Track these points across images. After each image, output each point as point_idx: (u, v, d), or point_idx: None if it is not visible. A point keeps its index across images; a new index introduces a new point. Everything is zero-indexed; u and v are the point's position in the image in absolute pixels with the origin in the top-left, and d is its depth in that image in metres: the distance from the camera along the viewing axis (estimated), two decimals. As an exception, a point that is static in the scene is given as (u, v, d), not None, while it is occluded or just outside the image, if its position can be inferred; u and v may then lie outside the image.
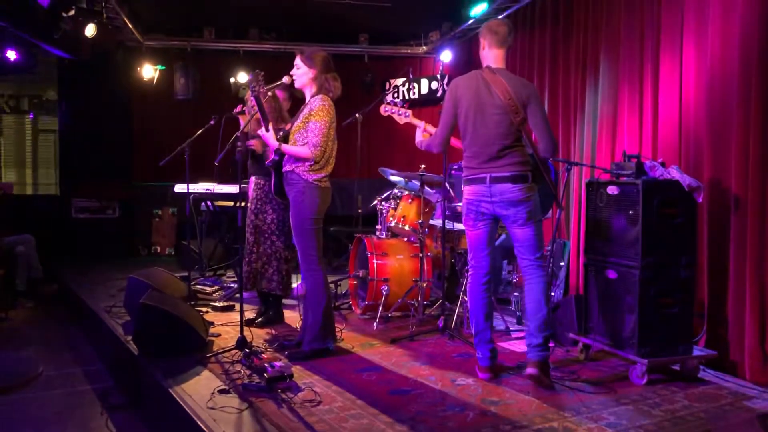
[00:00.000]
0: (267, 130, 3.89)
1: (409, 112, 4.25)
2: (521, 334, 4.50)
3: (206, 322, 4.50)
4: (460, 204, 5.14)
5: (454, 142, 3.84)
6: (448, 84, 7.61)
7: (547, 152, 3.59)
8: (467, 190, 3.62)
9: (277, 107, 4.62)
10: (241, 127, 4.83)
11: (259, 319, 4.77)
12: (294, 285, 4.93)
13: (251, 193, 4.82)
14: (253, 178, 4.83)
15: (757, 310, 3.60)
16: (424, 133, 3.99)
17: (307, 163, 3.84)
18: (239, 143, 4.57)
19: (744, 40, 3.73)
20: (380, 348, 4.23)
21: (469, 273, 3.73)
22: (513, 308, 5.06)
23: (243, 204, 4.89)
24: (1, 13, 5.72)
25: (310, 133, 3.82)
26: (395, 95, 8.60)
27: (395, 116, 4.26)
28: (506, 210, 3.50)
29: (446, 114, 3.64)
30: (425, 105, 8.37)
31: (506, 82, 3.51)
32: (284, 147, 3.87)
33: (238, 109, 4.87)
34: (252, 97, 4.00)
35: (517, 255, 3.63)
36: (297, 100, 4.54)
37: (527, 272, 3.58)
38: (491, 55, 3.61)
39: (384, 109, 4.30)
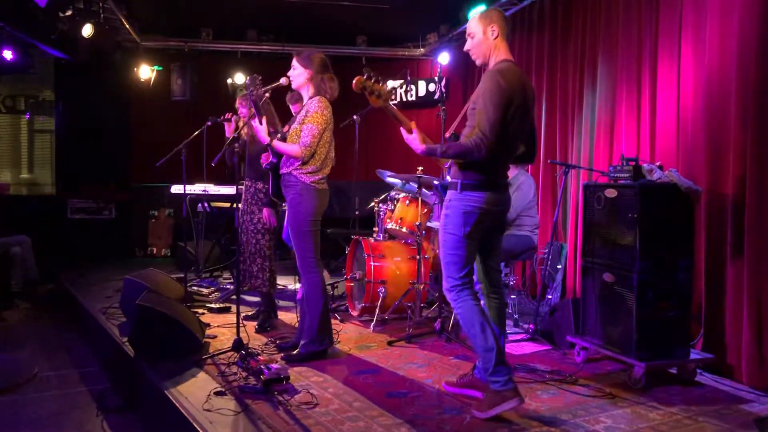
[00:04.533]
0: (260, 122, 3.89)
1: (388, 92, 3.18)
2: (518, 336, 4.50)
3: (202, 324, 4.48)
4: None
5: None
6: (445, 86, 7.63)
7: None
8: (486, 197, 3.09)
9: (271, 112, 4.63)
10: (227, 134, 4.87)
11: (256, 324, 4.73)
12: (290, 286, 4.93)
13: (243, 195, 4.84)
14: (246, 181, 4.84)
15: (754, 314, 3.60)
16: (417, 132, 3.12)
17: (303, 165, 3.83)
18: (236, 145, 4.58)
19: (742, 44, 3.74)
20: (377, 350, 4.22)
21: (467, 293, 3.13)
22: (510, 311, 5.04)
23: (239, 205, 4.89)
24: (-2, 13, 5.72)
25: (303, 133, 3.82)
26: (393, 97, 8.59)
27: (372, 98, 3.16)
28: (504, 217, 3.31)
29: (503, 109, 2.99)
30: (423, 107, 8.38)
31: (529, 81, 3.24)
32: (274, 143, 3.86)
33: (228, 116, 4.90)
34: (250, 101, 4.01)
35: (489, 269, 3.30)
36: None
37: (498, 288, 3.30)
38: (505, 47, 3.19)
39: (361, 85, 3.13)
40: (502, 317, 3.32)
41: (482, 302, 3.25)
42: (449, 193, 3.19)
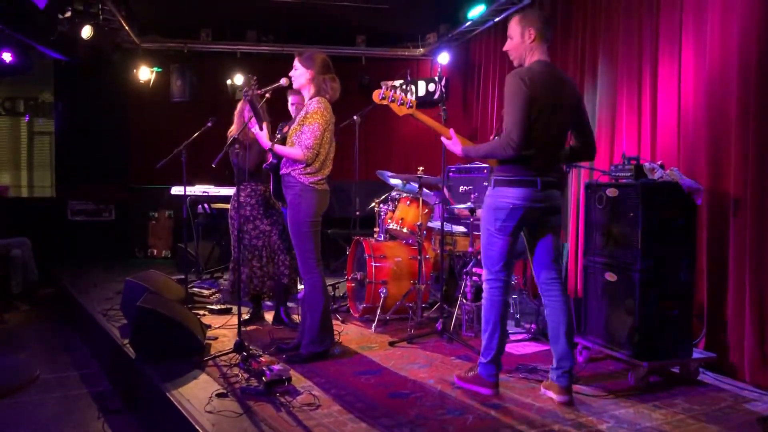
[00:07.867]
0: (261, 128, 3.89)
1: (413, 101, 3.63)
2: (520, 336, 4.49)
3: (203, 325, 4.47)
4: (459, 206, 5.17)
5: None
6: (445, 86, 7.62)
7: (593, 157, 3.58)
8: (520, 193, 3.18)
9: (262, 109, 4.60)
10: (230, 132, 4.83)
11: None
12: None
13: (245, 199, 4.77)
14: (251, 184, 4.79)
15: (756, 313, 3.59)
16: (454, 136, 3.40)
17: (302, 166, 3.82)
18: (236, 146, 4.55)
19: (743, 43, 3.73)
20: (379, 351, 4.21)
21: (496, 287, 3.32)
22: (512, 311, 5.03)
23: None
24: (-3, 15, 5.70)
25: (303, 135, 3.81)
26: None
27: (394, 106, 3.57)
28: (551, 216, 3.30)
29: (526, 109, 3.10)
30: (423, 107, 8.34)
31: (567, 80, 3.35)
32: (276, 147, 3.86)
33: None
34: (247, 102, 4.00)
35: (541, 267, 3.36)
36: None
37: (552, 285, 3.34)
38: (541, 49, 3.27)
39: (380, 95, 3.58)
40: (563, 316, 3.31)
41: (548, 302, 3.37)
42: (487, 190, 3.35)
